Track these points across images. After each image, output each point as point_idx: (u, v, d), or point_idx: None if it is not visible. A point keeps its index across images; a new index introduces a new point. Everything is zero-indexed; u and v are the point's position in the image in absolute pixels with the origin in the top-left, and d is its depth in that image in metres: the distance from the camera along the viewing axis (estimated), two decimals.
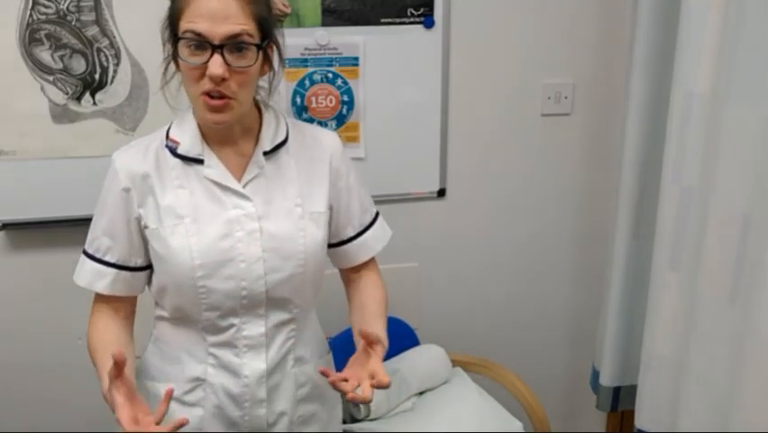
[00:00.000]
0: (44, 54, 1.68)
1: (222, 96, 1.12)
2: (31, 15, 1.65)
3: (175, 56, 1.16)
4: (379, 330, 1.23)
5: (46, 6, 1.64)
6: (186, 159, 1.22)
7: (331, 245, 1.35)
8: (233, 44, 1.10)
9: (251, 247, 1.21)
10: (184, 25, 1.10)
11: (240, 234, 1.21)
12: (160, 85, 1.23)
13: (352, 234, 1.36)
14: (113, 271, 1.25)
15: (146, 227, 1.22)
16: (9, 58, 1.66)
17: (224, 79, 1.10)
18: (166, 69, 1.22)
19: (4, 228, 1.78)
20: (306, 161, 1.29)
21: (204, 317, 1.24)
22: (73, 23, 1.67)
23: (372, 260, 1.41)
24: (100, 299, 1.28)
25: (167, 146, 1.23)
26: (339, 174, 1.32)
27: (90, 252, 1.26)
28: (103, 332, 1.26)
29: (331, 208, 1.31)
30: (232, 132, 1.22)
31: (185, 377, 1.28)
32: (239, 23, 1.10)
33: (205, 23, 1.09)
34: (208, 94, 1.12)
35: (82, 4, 1.66)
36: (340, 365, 1.48)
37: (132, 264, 1.26)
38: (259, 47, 1.13)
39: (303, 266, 1.25)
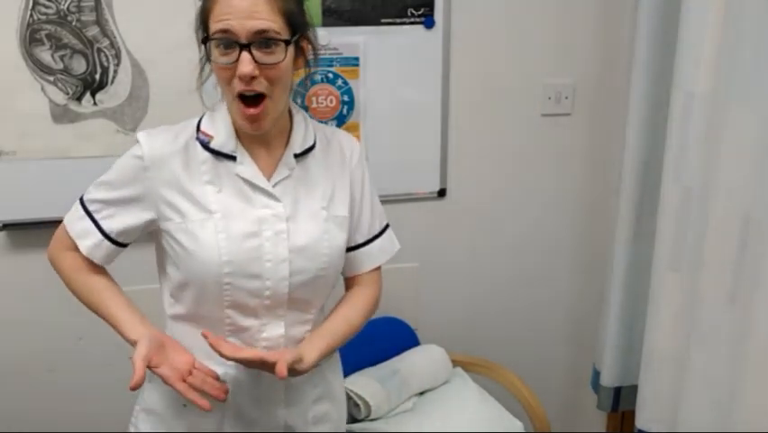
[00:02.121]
0: (45, 54, 1.68)
1: (256, 104, 1.13)
2: (31, 16, 1.65)
3: (209, 56, 1.16)
4: (313, 349, 1.22)
5: (46, 7, 1.65)
6: (218, 154, 1.21)
7: None
8: (261, 41, 1.10)
9: (278, 248, 1.20)
10: (213, 25, 1.11)
11: (268, 234, 1.20)
12: (196, 85, 1.22)
13: (360, 240, 1.35)
14: (100, 237, 1.24)
15: (170, 220, 1.20)
16: (10, 58, 1.66)
17: (253, 77, 1.10)
18: (202, 69, 1.22)
19: (4, 228, 1.78)
20: (329, 165, 1.29)
21: (225, 314, 1.22)
22: (73, 23, 1.67)
23: (374, 273, 1.38)
24: (73, 245, 1.26)
25: (198, 139, 1.22)
26: (354, 179, 1.31)
27: (90, 209, 1.24)
28: (94, 274, 1.26)
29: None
30: (268, 132, 1.21)
31: None
32: (265, 18, 1.10)
33: (232, 20, 1.09)
34: (242, 98, 1.12)
35: (82, 4, 1.66)
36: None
37: (119, 240, 1.25)
38: (287, 42, 1.13)
39: (326, 269, 1.25)
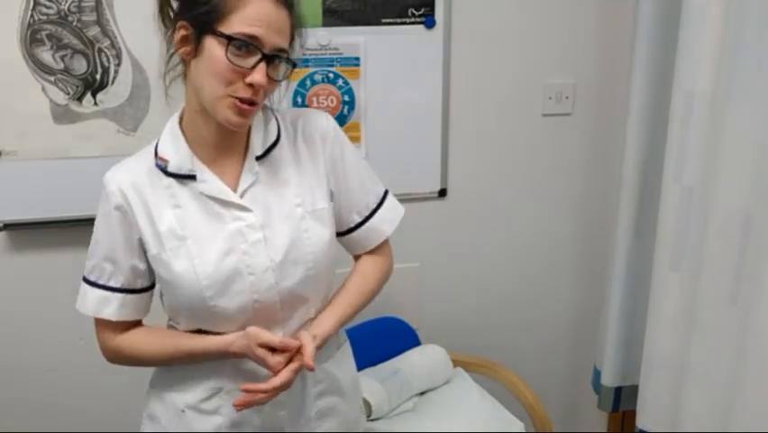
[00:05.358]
0: (45, 54, 1.68)
1: (252, 103, 1.11)
2: (32, 16, 1.65)
3: (185, 44, 1.12)
4: (325, 326, 1.24)
5: (47, 7, 1.65)
6: (178, 176, 1.17)
7: (339, 234, 1.31)
8: (276, 57, 1.10)
9: (258, 258, 1.17)
10: (237, 25, 1.06)
11: (244, 247, 1.17)
12: (162, 73, 1.19)
13: (358, 220, 1.31)
14: (119, 295, 1.21)
15: (147, 251, 1.19)
16: (10, 58, 1.66)
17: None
18: (170, 58, 1.18)
19: (4, 228, 1.78)
20: (300, 156, 1.24)
21: (221, 330, 1.21)
22: (74, 23, 1.67)
23: (382, 245, 1.35)
24: (108, 324, 1.23)
25: (157, 165, 1.18)
26: (334, 159, 1.26)
27: (92, 279, 1.22)
28: (144, 335, 1.25)
29: (332, 196, 1.27)
30: (224, 139, 1.18)
31: (202, 386, 1.25)
32: (286, 37, 1.11)
33: (262, 29, 1.07)
34: (238, 98, 1.10)
35: (83, 4, 1.66)
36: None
37: (137, 286, 1.22)
38: (292, 63, 1.14)
39: (313, 268, 1.22)
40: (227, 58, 1.07)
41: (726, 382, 1.50)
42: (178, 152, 1.18)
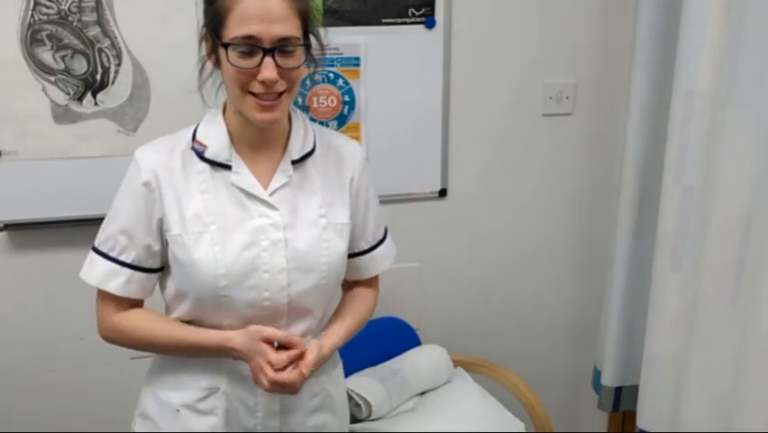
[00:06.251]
0: (46, 55, 1.68)
1: (277, 95, 1.11)
2: (32, 16, 1.65)
3: (212, 53, 1.15)
4: (333, 339, 1.26)
5: (47, 7, 1.65)
6: (213, 163, 1.19)
7: None
8: (283, 46, 1.09)
9: (276, 257, 1.18)
10: (233, 28, 1.07)
11: (265, 244, 1.18)
12: (198, 85, 1.21)
13: (365, 247, 1.35)
14: (128, 271, 1.21)
15: (167, 231, 1.18)
16: (11, 58, 1.66)
17: (274, 81, 1.09)
18: (202, 68, 1.19)
19: (5, 228, 1.78)
20: (329, 171, 1.26)
21: (224, 324, 1.21)
22: (74, 23, 1.67)
23: (375, 277, 1.40)
24: (110, 299, 1.23)
25: (193, 148, 1.19)
26: (359, 187, 1.30)
27: (104, 250, 1.21)
28: (144, 316, 1.24)
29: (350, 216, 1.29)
30: (264, 137, 1.20)
31: (199, 385, 1.25)
32: (288, 23, 1.09)
33: (256, 25, 1.06)
34: (256, 95, 1.11)
35: (83, 4, 1.66)
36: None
37: (147, 266, 1.22)
38: (306, 46, 1.13)
39: (326, 278, 1.23)
40: (230, 63, 1.09)
41: (726, 382, 1.50)
42: (218, 140, 1.19)
